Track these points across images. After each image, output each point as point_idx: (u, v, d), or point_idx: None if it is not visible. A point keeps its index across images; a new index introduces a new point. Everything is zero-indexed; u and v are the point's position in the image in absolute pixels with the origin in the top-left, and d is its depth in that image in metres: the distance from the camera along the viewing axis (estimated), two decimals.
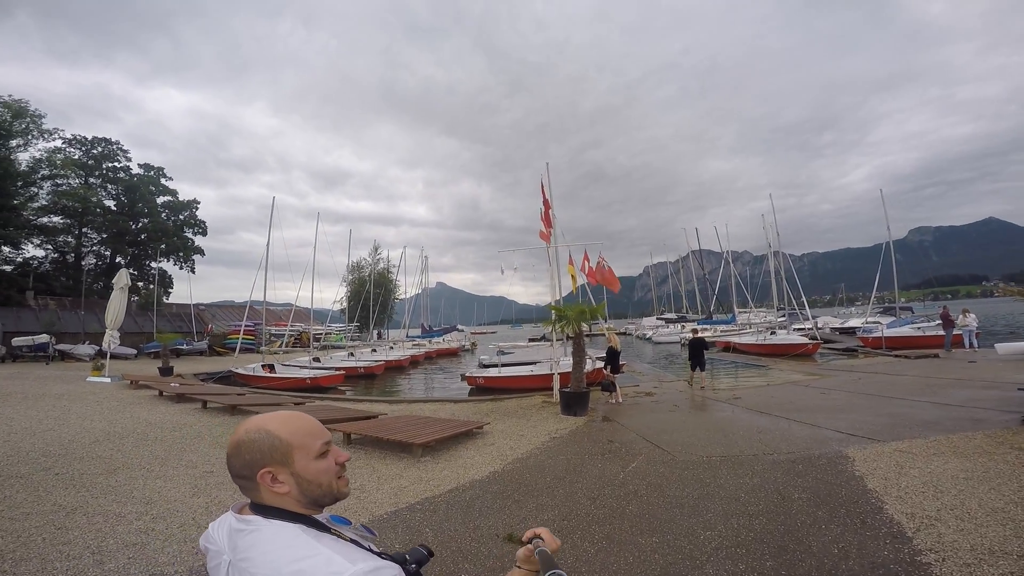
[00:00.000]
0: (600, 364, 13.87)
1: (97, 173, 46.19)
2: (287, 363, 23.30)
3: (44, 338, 27.29)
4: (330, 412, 10.95)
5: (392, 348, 32.91)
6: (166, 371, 20.29)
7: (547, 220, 14.52)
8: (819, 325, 31.08)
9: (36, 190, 40.65)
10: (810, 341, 22.58)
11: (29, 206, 40.05)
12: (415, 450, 7.54)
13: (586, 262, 15.92)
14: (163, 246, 46.97)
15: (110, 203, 46.50)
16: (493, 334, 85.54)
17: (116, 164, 47.42)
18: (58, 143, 42.35)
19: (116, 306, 19.74)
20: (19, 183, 37.99)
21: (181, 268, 50.18)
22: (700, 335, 15.23)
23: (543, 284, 14.55)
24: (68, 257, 45.58)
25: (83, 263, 45.64)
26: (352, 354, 29.22)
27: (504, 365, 18.50)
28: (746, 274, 44.25)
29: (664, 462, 6.52)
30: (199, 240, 52.47)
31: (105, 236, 46.46)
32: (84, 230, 45.34)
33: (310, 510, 1.01)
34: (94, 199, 43.59)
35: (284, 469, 0.98)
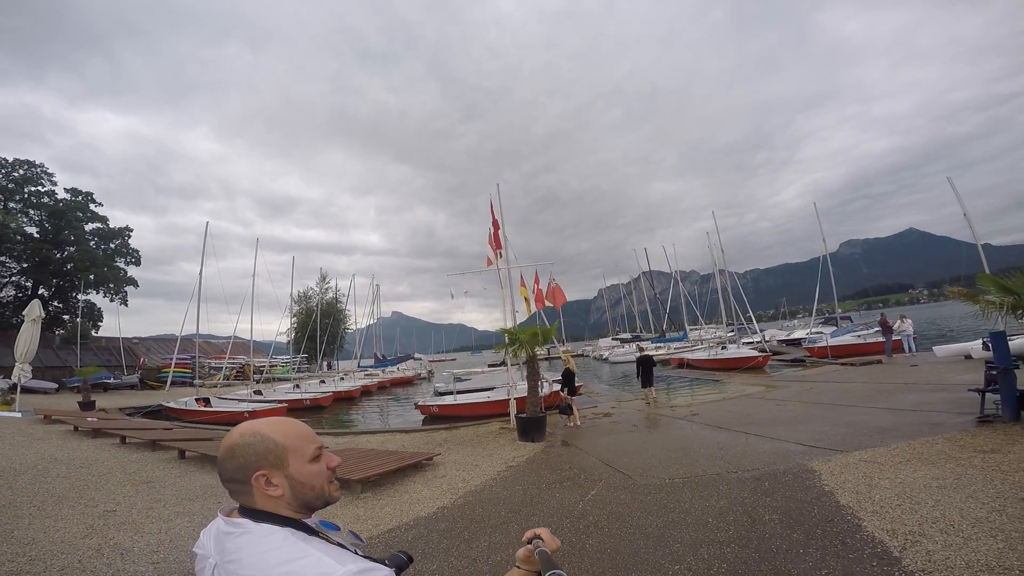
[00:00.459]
0: (557, 387, 13.46)
1: (18, 197, 42.31)
2: (225, 396, 22.27)
3: None
4: None
5: (342, 379, 31.43)
6: (87, 405, 19.46)
7: (496, 241, 14.12)
8: (767, 338, 31.94)
9: None
10: (760, 354, 22.99)
11: None
12: (353, 486, 6.87)
13: (536, 284, 15.59)
14: (91, 276, 43.56)
15: (32, 230, 42.54)
16: (452, 361, 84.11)
17: (40, 188, 43.66)
18: None
19: (27, 338, 18.33)
20: None
21: (112, 300, 46.61)
22: (647, 353, 15.26)
23: (509, 311, 14.08)
24: None
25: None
26: (298, 386, 27.70)
27: (460, 392, 17.73)
28: (695, 292, 45.43)
29: (625, 487, 6.05)
30: (132, 271, 48.97)
31: (26, 266, 42.48)
32: (1, 259, 41.43)
33: (300, 514, 1.01)
34: (13, 225, 39.97)
35: (278, 472, 0.99)
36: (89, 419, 14.54)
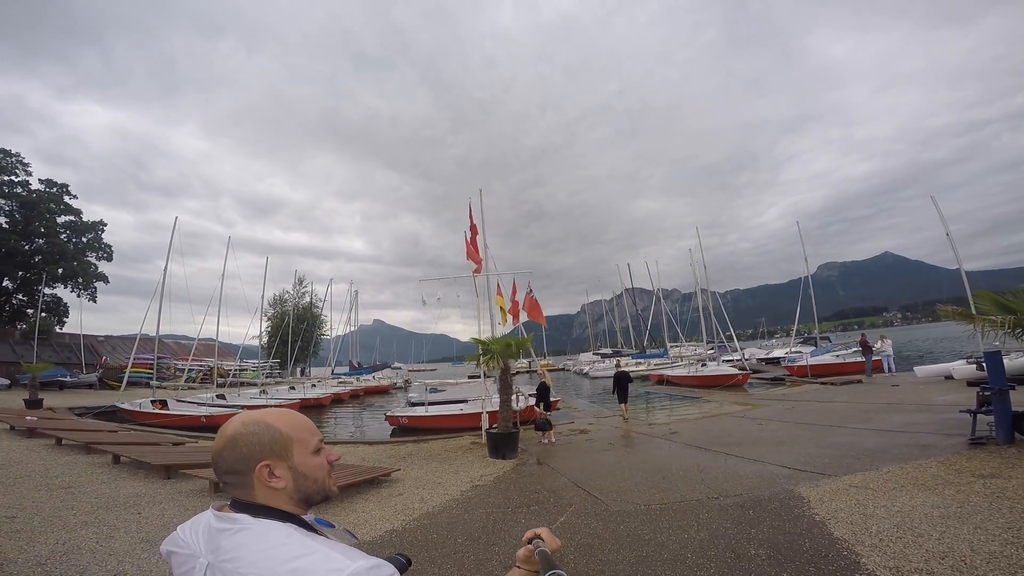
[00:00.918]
0: (532, 401, 12.89)
1: None
2: (185, 399, 21.45)
3: None
4: (208, 455, 9.42)
5: (313, 385, 30.37)
6: (33, 403, 18.87)
7: (474, 246, 13.54)
8: (746, 356, 31.79)
9: None
10: (740, 372, 22.69)
11: None
12: None
13: (514, 295, 14.97)
14: (59, 270, 41.74)
15: (0, 219, 41.04)
16: (432, 371, 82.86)
17: (13, 178, 41.89)
18: None
19: None
20: None
21: (79, 296, 44.78)
22: (624, 369, 15.14)
23: (486, 320, 13.45)
24: None
25: None
26: (265, 391, 26.63)
27: (432, 403, 17.00)
28: (676, 311, 45.49)
29: (597, 514, 5.46)
30: (105, 266, 47.25)
31: None
32: None
33: (299, 508, 0.97)
34: None
35: (282, 463, 0.95)
36: (28, 418, 13.82)
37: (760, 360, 35.44)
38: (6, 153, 41.78)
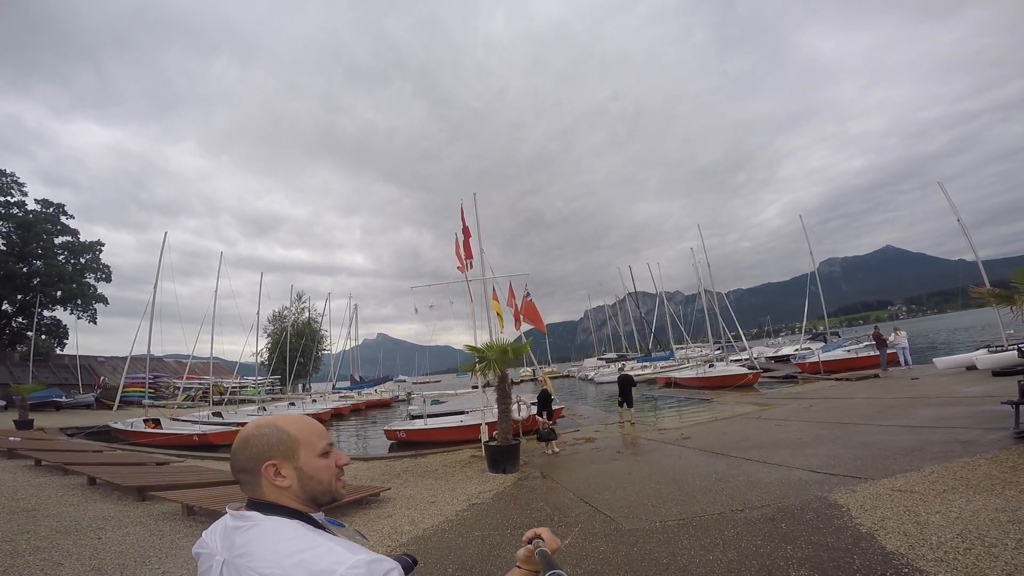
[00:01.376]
0: (534, 410, 12.25)
1: None
2: (181, 418, 21.02)
3: None
4: (196, 475, 9.31)
5: (314, 401, 29.75)
6: (23, 424, 18.79)
7: (467, 249, 12.97)
8: (754, 355, 31.11)
9: None
10: (750, 371, 22.01)
11: None
12: None
13: (512, 297, 14.33)
14: (57, 293, 41.27)
15: None
16: (437, 383, 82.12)
17: (9, 199, 41.48)
18: None
19: None
20: None
21: (79, 317, 44.29)
22: (628, 372, 15.09)
23: (482, 327, 12.91)
24: None
25: None
26: (264, 408, 26.03)
27: (431, 416, 16.34)
28: (679, 312, 44.90)
29: (607, 534, 4.80)
30: (105, 288, 46.75)
31: None
32: None
33: (308, 508, 1.01)
34: None
35: (288, 463, 0.99)
36: (11, 439, 13.65)
37: (769, 359, 34.73)
38: (1, 173, 41.49)
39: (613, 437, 11.62)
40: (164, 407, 27.35)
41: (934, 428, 7.70)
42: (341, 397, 33.49)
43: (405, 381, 52.62)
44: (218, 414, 22.75)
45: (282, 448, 0.98)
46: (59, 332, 44.68)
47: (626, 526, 4.97)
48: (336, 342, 46.31)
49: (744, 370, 22.40)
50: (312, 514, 1.00)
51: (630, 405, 13.66)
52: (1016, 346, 13.11)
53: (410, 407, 23.84)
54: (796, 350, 31.67)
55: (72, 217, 45.60)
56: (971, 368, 14.32)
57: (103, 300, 46.23)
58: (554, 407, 12.53)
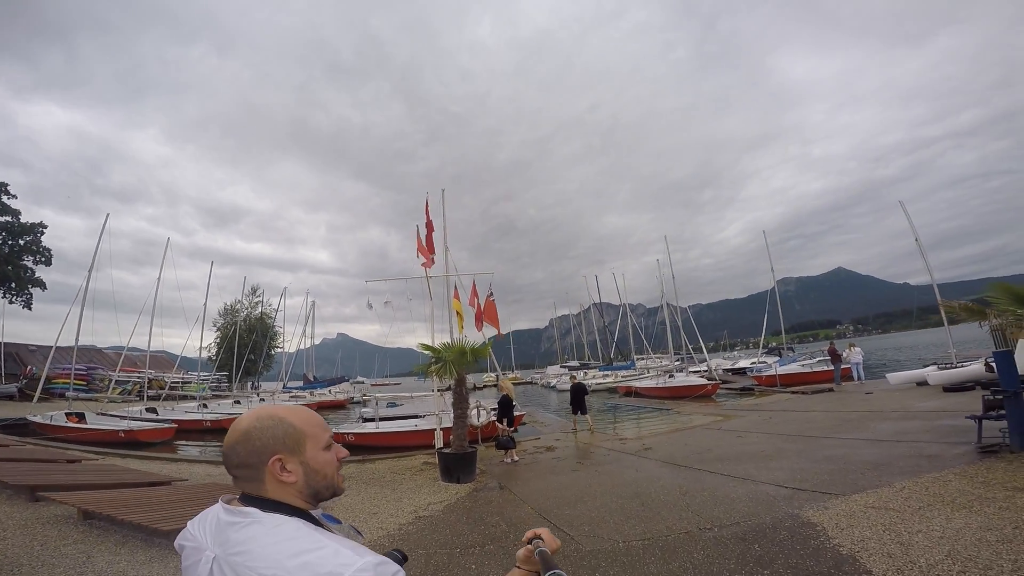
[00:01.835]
0: (494, 416, 11.73)
1: None
2: (109, 413, 19.61)
3: None
4: (107, 475, 8.45)
5: (262, 400, 28.30)
6: None
7: (430, 244, 12.40)
8: (713, 367, 31.64)
9: None
10: (710, 382, 22.21)
11: None
12: (173, 536, 4.80)
13: (475, 297, 13.79)
14: None
15: None
16: (397, 385, 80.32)
17: None
18: None
19: None
20: None
21: (11, 302, 41.00)
22: (580, 381, 15.17)
23: (442, 327, 12.34)
24: None
25: None
26: (205, 405, 24.52)
27: (384, 419, 15.55)
28: (641, 324, 45.51)
29: (566, 555, 4.31)
30: (48, 273, 43.45)
31: None
32: None
33: (308, 504, 0.95)
34: None
35: (294, 457, 0.93)
36: None
37: (727, 371, 35.41)
38: None
39: (574, 446, 11.28)
40: (95, 400, 25.44)
41: (895, 442, 7.61)
42: (291, 397, 32.02)
43: (363, 383, 51.11)
44: (153, 410, 21.33)
45: (288, 441, 0.92)
46: None
47: (587, 546, 4.51)
48: (291, 340, 44.56)
49: (703, 381, 22.62)
50: (311, 511, 0.94)
51: (584, 412, 13.59)
52: (984, 360, 13.41)
53: (363, 409, 22.89)
54: (753, 363, 32.35)
55: (15, 197, 42.35)
56: (922, 384, 14.68)
57: (40, 284, 43.08)
58: (515, 413, 12.04)
